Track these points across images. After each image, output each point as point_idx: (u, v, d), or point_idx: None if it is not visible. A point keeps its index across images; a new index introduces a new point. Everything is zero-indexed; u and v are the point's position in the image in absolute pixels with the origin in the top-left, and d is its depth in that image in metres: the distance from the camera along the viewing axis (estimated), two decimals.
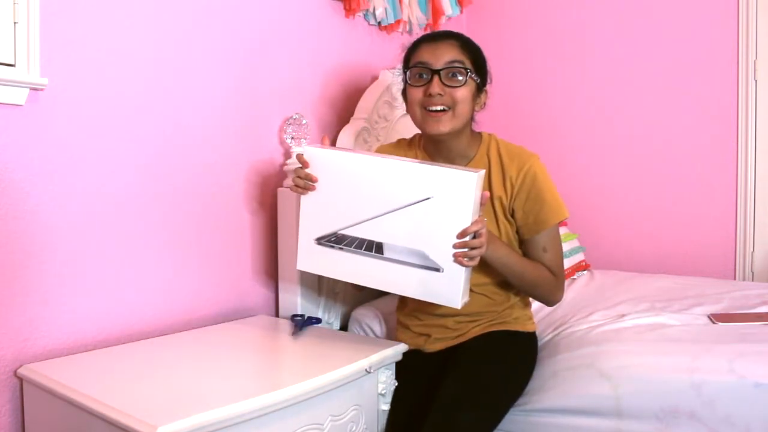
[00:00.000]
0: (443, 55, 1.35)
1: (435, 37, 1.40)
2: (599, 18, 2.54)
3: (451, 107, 1.35)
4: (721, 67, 2.29)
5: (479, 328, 1.46)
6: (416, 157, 1.46)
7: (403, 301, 1.54)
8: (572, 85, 2.61)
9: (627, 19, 2.48)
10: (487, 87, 1.44)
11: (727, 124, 2.29)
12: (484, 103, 1.44)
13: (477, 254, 1.20)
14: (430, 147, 1.46)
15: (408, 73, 1.40)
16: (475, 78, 1.37)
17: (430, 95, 1.33)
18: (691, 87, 2.36)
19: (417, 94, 1.37)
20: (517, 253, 1.41)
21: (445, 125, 1.35)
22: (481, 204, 1.23)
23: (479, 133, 1.48)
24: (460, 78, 1.34)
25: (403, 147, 1.53)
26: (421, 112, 1.37)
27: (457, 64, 1.34)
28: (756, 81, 2.23)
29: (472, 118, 1.44)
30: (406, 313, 1.53)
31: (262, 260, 1.81)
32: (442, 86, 1.34)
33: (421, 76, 1.37)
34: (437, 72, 1.34)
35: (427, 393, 1.40)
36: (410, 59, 1.41)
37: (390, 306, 1.75)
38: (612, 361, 1.39)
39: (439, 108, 1.34)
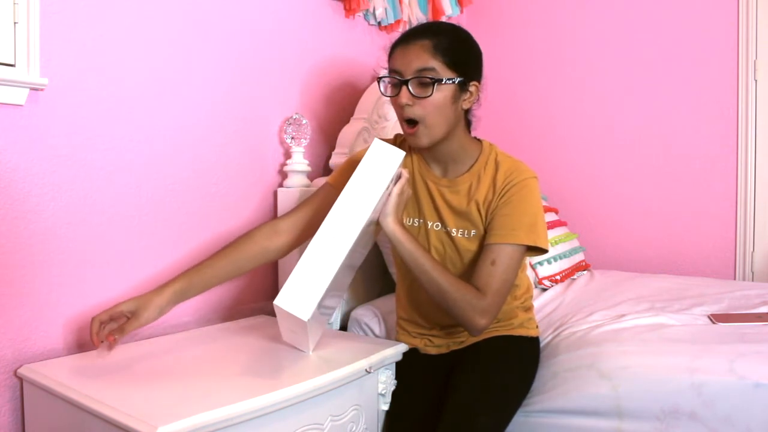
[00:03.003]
0: (412, 62, 1.27)
1: (408, 38, 1.31)
2: (599, 18, 2.54)
3: (421, 119, 1.29)
4: (721, 67, 2.29)
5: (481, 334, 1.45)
6: (414, 161, 1.43)
7: (402, 305, 1.53)
8: (572, 86, 2.61)
9: (627, 20, 2.48)
10: (479, 81, 1.35)
11: (727, 124, 2.29)
12: (477, 98, 1.36)
13: None
14: (424, 150, 1.41)
15: (382, 83, 1.36)
16: (451, 80, 1.28)
17: (400, 105, 1.29)
18: (691, 87, 2.36)
19: (393, 104, 1.33)
20: (436, 261, 1.29)
21: (421, 140, 1.31)
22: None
23: (479, 141, 1.43)
24: (429, 86, 1.27)
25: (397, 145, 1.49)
26: (401, 124, 1.34)
27: (426, 73, 1.26)
28: (756, 81, 2.23)
29: (467, 118, 1.40)
30: (405, 318, 1.53)
31: None
32: (411, 97, 1.28)
33: (394, 85, 1.31)
34: (405, 82, 1.28)
35: (431, 395, 1.40)
36: (389, 63, 1.35)
37: (389, 305, 1.75)
38: (612, 361, 1.39)
39: (410, 118, 1.29)
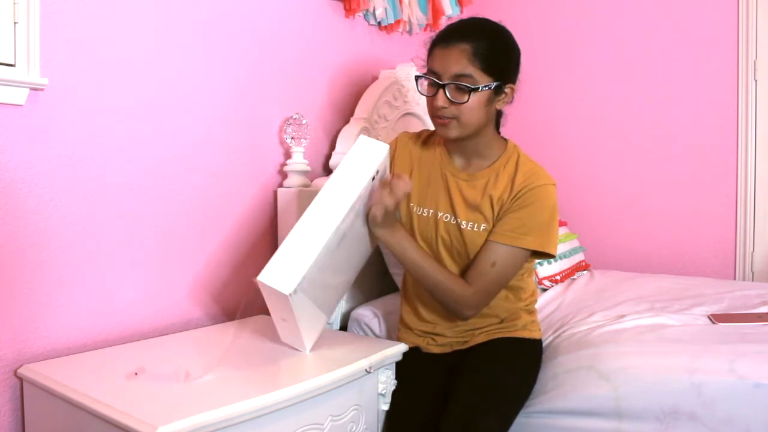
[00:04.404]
0: (451, 66, 1.29)
1: (449, 39, 1.32)
2: (599, 18, 2.54)
3: (457, 117, 1.32)
4: (721, 67, 2.29)
5: (484, 335, 1.46)
6: (436, 153, 1.46)
7: (408, 299, 1.53)
8: (572, 86, 2.61)
9: (627, 20, 2.48)
10: (514, 83, 1.37)
11: (727, 124, 2.29)
12: (511, 99, 1.38)
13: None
14: (449, 144, 1.45)
15: (419, 80, 1.39)
16: (487, 87, 1.30)
17: (436, 107, 1.32)
18: (691, 87, 2.36)
19: (427, 102, 1.37)
20: (424, 252, 1.36)
21: (451, 132, 1.35)
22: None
23: (505, 141, 1.46)
24: (466, 93, 1.29)
25: (420, 141, 1.51)
26: (432, 117, 1.37)
27: (462, 80, 1.29)
28: (756, 81, 2.23)
29: (497, 117, 1.45)
30: (410, 311, 1.53)
31: (262, 260, 1.80)
32: (447, 100, 1.31)
33: (431, 84, 1.34)
34: (443, 86, 1.30)
35: (432, 395, 1.40)
36: (427, 59, 1.37)
37: (389, 305, 1.75)
38: (612, 362, 1.39)
39: (445, 117, 1.33)
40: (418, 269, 1.34)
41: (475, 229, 1.38)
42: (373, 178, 1.25)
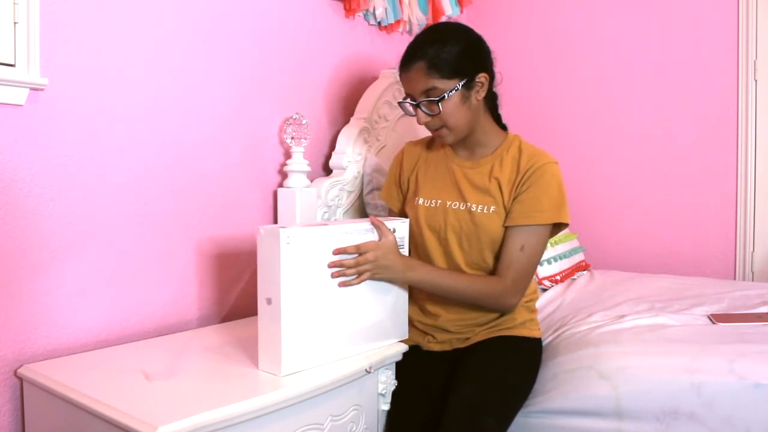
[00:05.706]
0: (416, 86, 1.39)
1: (406, 63, 1.40)
2: (599, 18, 2.54)
3: (443, 125, 1.41)
4: (721, 67, 2.29)
5: (485, 332, 1.46)
6: (441, 152, 1.54)
7: (412, 297, 1.53)
8: (572, 85, 2.61)
9: (627, 20, 2.48)
10: (485, 71, 1.40)
11: (727, 124, 2.29)
12: (488, 86, 1.42)
13: (353, 273, 1.26)
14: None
15: (402, 105, 1.46)
16: (454, 90, 1.37)
17: (420, 124, 1.43)
18: (691, 87, 2.36)
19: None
20: (447, 272, 1.41)
21: (447, 139, 1.45)
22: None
23: (505, 132, 1.52)
24: (435, 104, 1.38)
25: (425, 144, 1.60)
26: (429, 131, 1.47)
27: (429, 94, 1.38)
28: (756, 81, 2.23)
29: (491, 103, 1.49)
30: (414, 307, 1.52)
31: None
32: (426, 115, 1.41)
33: (412, 106, 1.43)
34: (417, 105, 1.40)
35: (432, 394, 1.40)
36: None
37: None
38: (612, 362, 1.39)
39: (434, 128, 1.43)
40: (448, 289, 1.38)
41: (485, 212, 1.43)
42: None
